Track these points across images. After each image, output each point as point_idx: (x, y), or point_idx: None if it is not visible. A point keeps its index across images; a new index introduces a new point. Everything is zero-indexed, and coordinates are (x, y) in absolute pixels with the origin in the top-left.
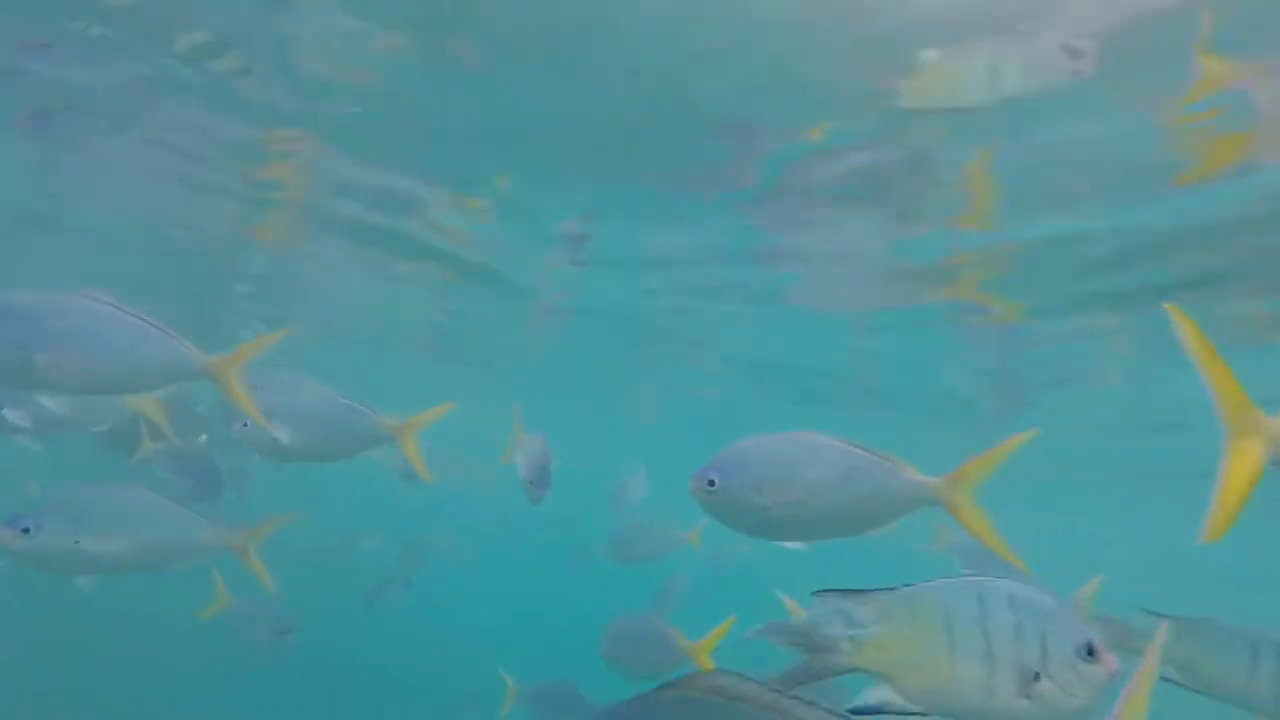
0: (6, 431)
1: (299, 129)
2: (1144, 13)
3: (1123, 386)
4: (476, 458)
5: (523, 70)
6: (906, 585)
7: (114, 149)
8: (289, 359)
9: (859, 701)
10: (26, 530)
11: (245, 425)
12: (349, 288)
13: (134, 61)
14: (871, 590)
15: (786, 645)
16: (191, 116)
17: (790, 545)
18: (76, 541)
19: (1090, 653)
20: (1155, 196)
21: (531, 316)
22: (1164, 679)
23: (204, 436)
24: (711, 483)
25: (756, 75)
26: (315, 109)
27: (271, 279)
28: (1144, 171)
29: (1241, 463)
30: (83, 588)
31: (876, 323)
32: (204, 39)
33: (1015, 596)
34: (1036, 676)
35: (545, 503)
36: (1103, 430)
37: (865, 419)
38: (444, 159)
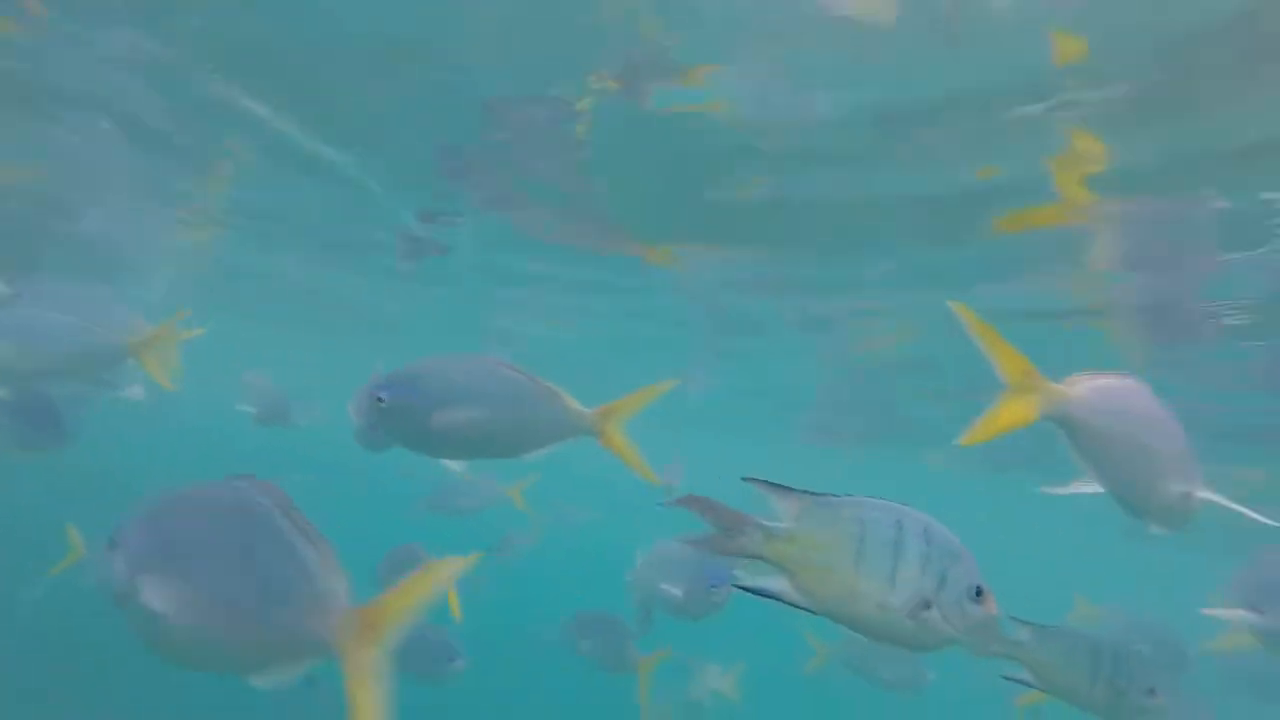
0: None
1: None
2: None
3: None
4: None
5: None
6: (832, 493)
7: None
8: None
9: (752, 582)
10: None
11: None
12: None
13: None
14: (795, 489)
15: (701, 516)
16: None
17: (451, 465)
18: None
19: (978, 595)
20: None
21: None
22: (1021, 682)
23: None
24: (380, 399)
25: None
26: None
27: None
28: None
29: (1014, 410)
30: None
31: None
32: None
33: (929, 529)
34: (927, 604)
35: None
36: None
37: None
38: None
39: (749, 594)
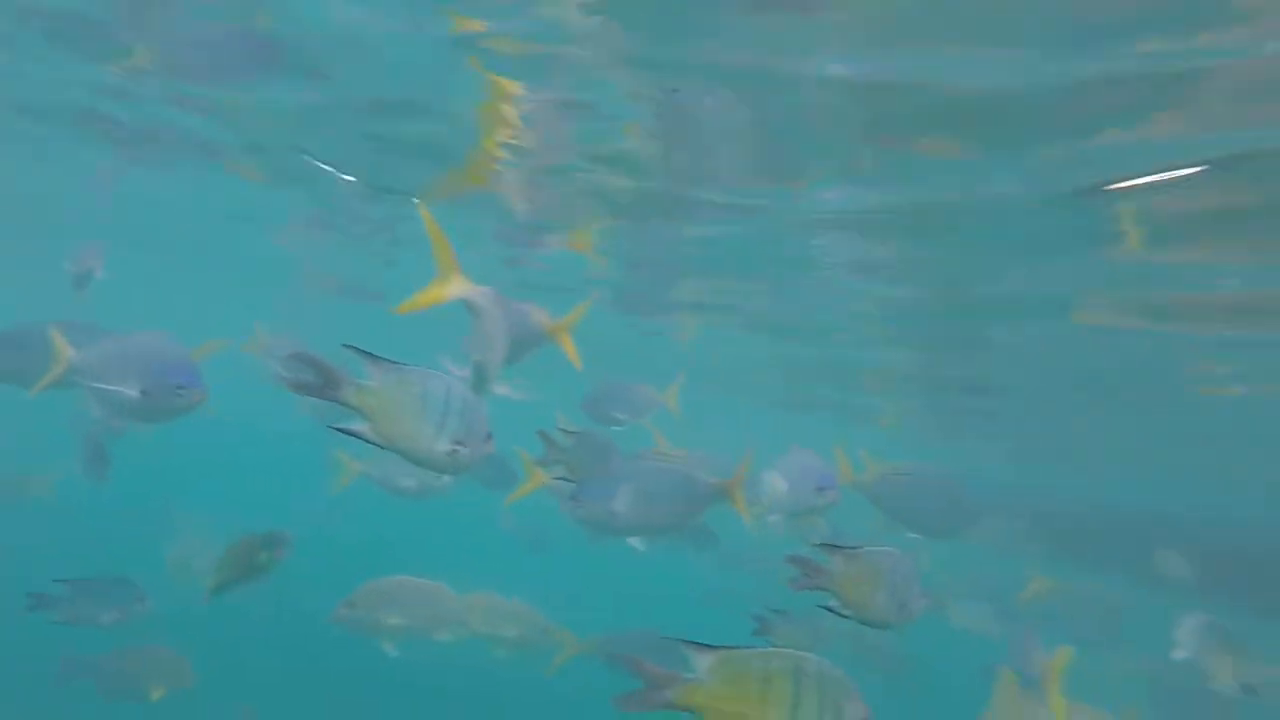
0: None
1: None
2: None
3: None
4: None
5: None
6: (406, 364)
7: None
8: None
9: (343, 424)
10: None
11: None
12: None
13: None
14: (382, 359)
15: (307, 368)
16: None
17: None
18: None
19: (489, 437)
20: None
21: None
22: (566, 480)
23: None
24: None
25: None
26: None
27: None
28: None
29: (438, 290)
30: None
31: None
32: None
33: (465, 395)
34: (461, 444)
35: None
36: None
37: None
38: None
39: (341, 433)
